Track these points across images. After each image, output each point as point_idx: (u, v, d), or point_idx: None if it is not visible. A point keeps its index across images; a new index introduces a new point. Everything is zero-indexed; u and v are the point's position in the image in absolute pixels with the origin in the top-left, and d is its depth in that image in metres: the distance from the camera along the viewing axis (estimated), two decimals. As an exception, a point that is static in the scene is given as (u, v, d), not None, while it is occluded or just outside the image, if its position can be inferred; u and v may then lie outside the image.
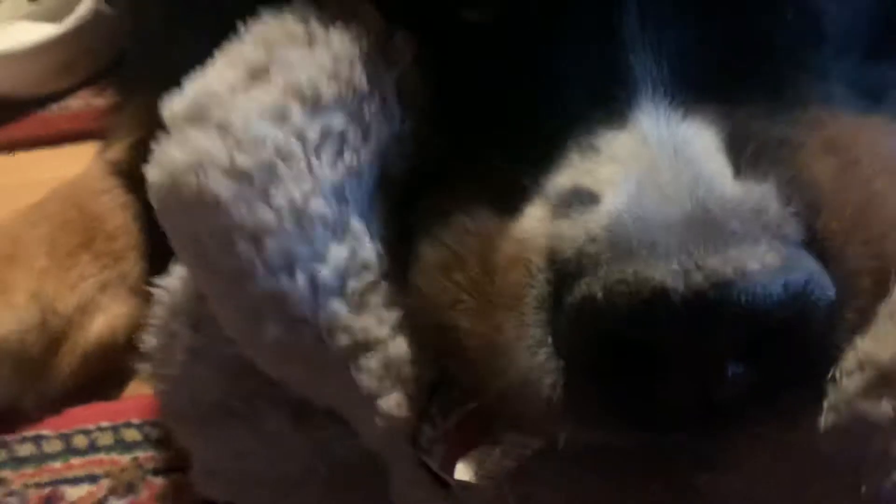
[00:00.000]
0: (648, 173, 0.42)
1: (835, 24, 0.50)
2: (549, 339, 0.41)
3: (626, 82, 0.45)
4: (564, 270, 0.40)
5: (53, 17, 1.31)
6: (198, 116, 0.46)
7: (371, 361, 0.47)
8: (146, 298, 0.79)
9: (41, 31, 1.27)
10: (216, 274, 0.47)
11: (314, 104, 0.46)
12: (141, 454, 0.74)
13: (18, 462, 0.75)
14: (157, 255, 0.81)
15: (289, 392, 0.53)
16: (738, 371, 0.38)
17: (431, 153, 0.50)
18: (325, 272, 0.46)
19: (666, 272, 0.37)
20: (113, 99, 1.15)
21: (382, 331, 0.47)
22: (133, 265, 0.84)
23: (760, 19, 0.48)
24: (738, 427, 0.40)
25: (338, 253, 0.47)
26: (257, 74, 0.47)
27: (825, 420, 0.39)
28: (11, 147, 1.21)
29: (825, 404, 0.39)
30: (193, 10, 0.65)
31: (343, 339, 0.47)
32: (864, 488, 0.39)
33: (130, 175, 0.87)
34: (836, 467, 0.39)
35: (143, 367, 0.75)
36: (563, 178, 0.43)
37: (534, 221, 0.42)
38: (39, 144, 1.21)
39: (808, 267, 0.38)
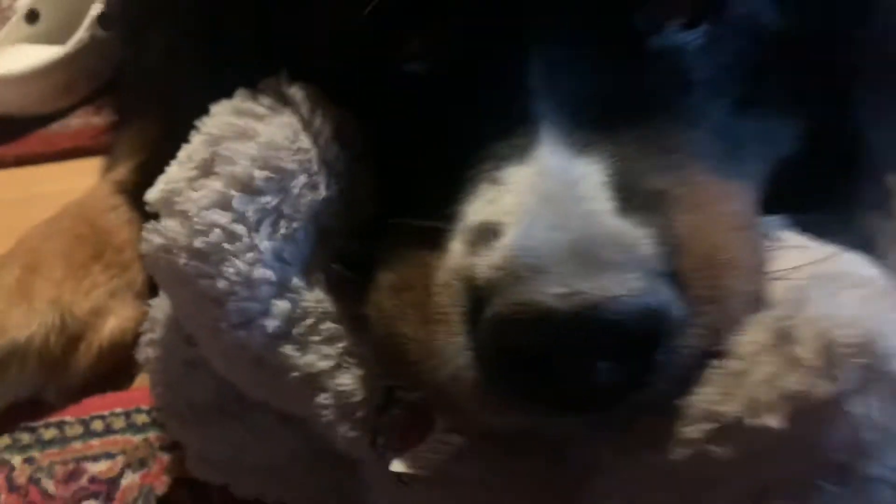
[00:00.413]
0: (543, 205, 0.51)
1: (704, 76, 0.60)
2: (471, 345, 0.51)
3: (530, 125, 0.55)
4: (478, 294, 0.51)
5: (51, 39, 1.38)
6: (167, 206, 0.57)
7: (323, 398, 0.57)
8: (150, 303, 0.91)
9: (41, 54, 1.35)
10: (197, 327, 0.59)
11: (249, 189, 0.56)
12: (151, 434, 0.84)
13: (44, 444, 0.85)
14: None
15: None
16: (608, 368, 0.49)
17: (366, 201, 0.60)
18: (274, 323, 0.57)
19: (551, 297, 0.48)
20: (111, 118, 1.24)
21: (326, 363, 0.57)
22: (138, 274, 0.93)
23: (641, 72, 0.58)
24: (610, 409, 0.51)
25: (282, 307, 0.57)
26: (206, 168, 0.57)
27: (676, 450, 0.48)
28: (19, 163, 1.28)
29: (676, 440, 0.49)
30: (191, 54, 0.74)
31: (294, 374, 0.57)
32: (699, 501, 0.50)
33: (134, 195, 0.95)
34: (683, 482, 0.50)
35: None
36: (474, 211, 0.53)
37: (456, 256, 0.52)
38: (44, 160, 1.28)
39: (664, 293, 0.49)
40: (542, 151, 0.54)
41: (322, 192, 0.59)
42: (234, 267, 0.55)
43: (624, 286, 0.48)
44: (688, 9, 0.59)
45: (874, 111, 0.70)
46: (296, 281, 0.58)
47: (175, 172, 0.58)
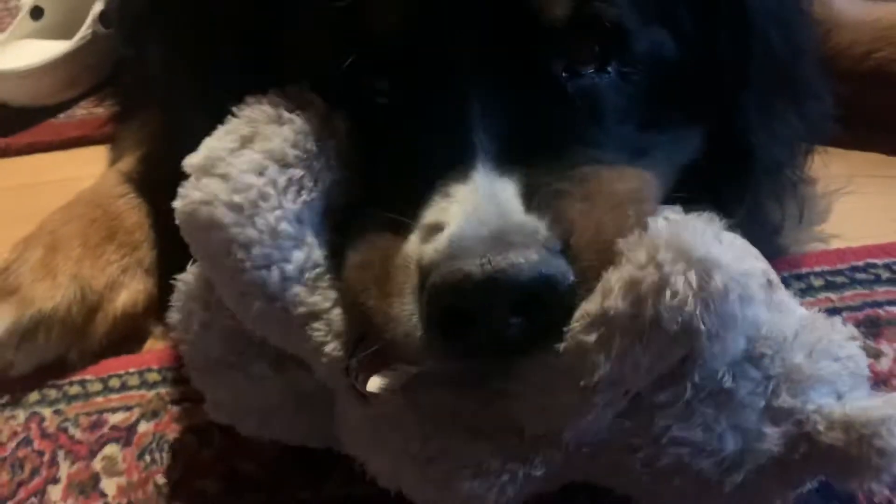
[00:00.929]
0: (474, 210, 0.66)
1: (613, 106, 0.75)
2: (418, 310, 0.65)
3: (470, 153, 0.69)
4: (425, 271, 0.65)
5: (55, 34, 1.48)
6: (208, 169, 0.70)
7: (318, 325, 0.71)
8: (157, 278, 1.04)
9: (47, 49, 1.44)
10: (220, 269, 0.72)
11: (283, 163, 0.71)
12: (162, 390, 0.96)
13: (70, 399, 0.97)
14: (164, 246, 1.04)
15: (268, 348, 0.75)
16: (516, 321, 0.63)
17: (358, 194, 0.74)
18: (290, 268, 0.70)
19: (472, 266, 0.62)
20: (113, 109, 1.36)
21: (326, 304, 0.71)
22: (147, 252, 1.05)
23: (561, 109, 0.73)
24: (520, 352, 0.65)
25: (298, 256, 0.70)
26: (246, 142, 0.72)
27: (563, 347, 0.63)
28: (28, 151, 1.37)
29: (563, 339, 0.64)
30: (187, 64, 0.85)
31: (301, 310, 0.71)
32: (585, 394, 0.63)
33: (141, 183, 1.08)
34: (572, 381, 0.63)
35: (159, 330, 0.98)
36: (430, 215, 0.68)
37: (413, 245, 0.67)
38: (51, 149, 1.37)
39: (557, 264, 0.64)
40: (476, 174, 0.69)
41: (335, 175, 0.73)
42: (265, 219, 0.69)
43: (523, 257, 0.63)
44: (597, 55, 0.74)
45: (761, 115, 0.84)
46: (310, 238, 0.71)
47: (216, 143, 0.71)
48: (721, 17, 0.80)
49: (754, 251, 0.69)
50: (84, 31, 1.46)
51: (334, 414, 0.76)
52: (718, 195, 0.80)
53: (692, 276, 0.61)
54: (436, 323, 0.65)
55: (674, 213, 0.70)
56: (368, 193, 0.74)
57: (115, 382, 0.99)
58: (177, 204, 0.71)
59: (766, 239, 0.87)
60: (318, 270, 0.72)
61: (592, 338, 0.62)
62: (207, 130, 0.73)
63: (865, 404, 0.66)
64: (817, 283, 0.99)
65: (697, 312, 0.61)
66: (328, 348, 0.71)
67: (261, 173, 0.70)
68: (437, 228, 0.67)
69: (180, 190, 0.71)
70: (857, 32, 1.16)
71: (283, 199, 0.70)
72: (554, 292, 0.64)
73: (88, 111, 1.44)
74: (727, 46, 0.80)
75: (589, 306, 0.63)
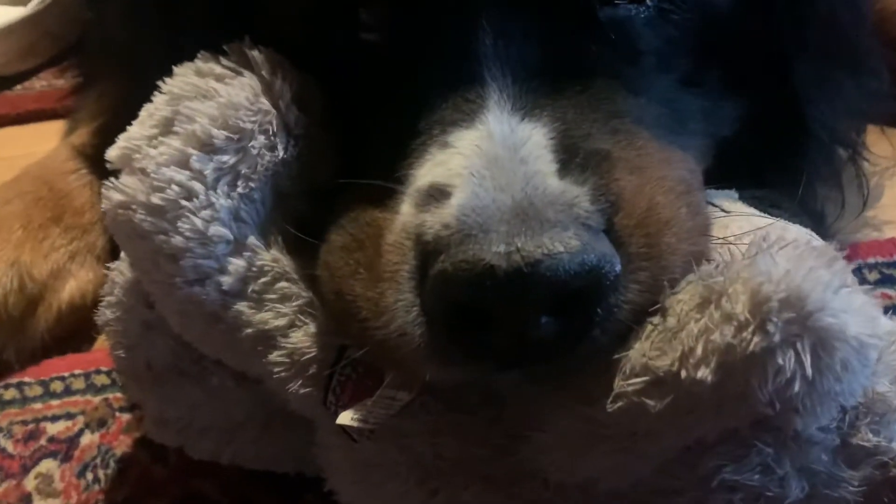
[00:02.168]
0: (489, 168, 0.53)
1: (651, 48, 0.62)
2: (418, 301, 0.53)
3: (479, 90, 0.56)
4: (427, 250, 0.52)
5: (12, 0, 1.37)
6: (126, 163, 0.58)
7: (277, 355, 0.58)
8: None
9: (2, 15, 1.33)
10: (153, 283, 0.60)
11: (208, 148, 0.57)
12: (110, 395, 0.85)
13: (3, 404, 0.86)
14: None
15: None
16: (548, 322, 0.50)
17: (324, 165, 0.61)
18: (228, 280, 0.58)
19: (493, 255, 0.49)
20: (74, 81, 1.23)
21: (280, 322, 0.58)
22: (98, 236, 0.94)
23: (590, 41, 0.60)
24: (548, 363, 0.52)
25: (238, 264, 0.58)
26: (166, 126, 0.58)
27: (612, 404, 0.50)
28: None
29: (612, 393, 0.50)
30: (151, 19, 0.74)
31: (248, 331, 0.58)
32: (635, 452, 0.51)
33: (94, 158, 0.96)
34: (619, 441, 0.51)
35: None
36: (424, 173, 0.55)
37: (406, 216, 0.54)
38: (6, 123, 1.29)
39: (602, 249, 0.51)
40: (488, 116, 0.56)
41: (280, 154, 0.60)
42: (191, 224, 0.57)
43: (561, 243, 0.50)
44: None
45: (820, 86, 0.73)
46: (252, 240, 0.59)
47: (136, 131, 0.59)
48: None
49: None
50: (43, -6, 1.35)
51: (316, 440, 0.64)
52: (765, 177, 0.69)
53: (807, 353, 0.47)
54: (442, 319, 0.52)
55: (730, 202, 0.59)
56: (349, 161, 0.62)
57: (56, 386, 0.88)
58: (102, 205, 0.60)
59: (822, 229, 0.74)
60: (264, 280, 0.59)
61: (658, 405, 0.49)
62: None
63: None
64: (872, 276, 0.89)
65: (800, 393, 0.48)
66: (294, 387, 0.59)
67: (182, 165, 0.57)
68: (437, 192, 0.54)
69: (103, 190, 0.59)
70: (908, -4, 1.06)
71: (212, 194, 0.57)
72: (598, 286, 0.51)
73: (49, 83, 1.35)
74: (787, 4, 0.69)
75: (656, 361, 0.49)
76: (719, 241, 0.57)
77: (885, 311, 0.65)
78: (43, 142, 1.16)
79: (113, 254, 0.93)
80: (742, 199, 0.65)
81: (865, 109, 0.82)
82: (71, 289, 0.92)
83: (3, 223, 0.93)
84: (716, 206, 0.61)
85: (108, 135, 0.97)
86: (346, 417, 0.55)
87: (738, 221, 0.59)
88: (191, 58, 0.64)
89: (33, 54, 1.36)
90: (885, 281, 0.88)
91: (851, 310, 0.48)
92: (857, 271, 0.88)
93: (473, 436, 0.56)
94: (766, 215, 0.62)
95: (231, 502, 0.76)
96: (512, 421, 0.56)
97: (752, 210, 0.63)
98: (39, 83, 1.35)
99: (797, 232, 0.60)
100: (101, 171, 0.94)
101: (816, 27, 0.71)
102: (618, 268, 0.52)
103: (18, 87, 1.34)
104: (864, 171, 0.85)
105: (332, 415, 0.58)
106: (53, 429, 0.84)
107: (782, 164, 0.73)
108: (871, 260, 0.89)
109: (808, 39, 0.71)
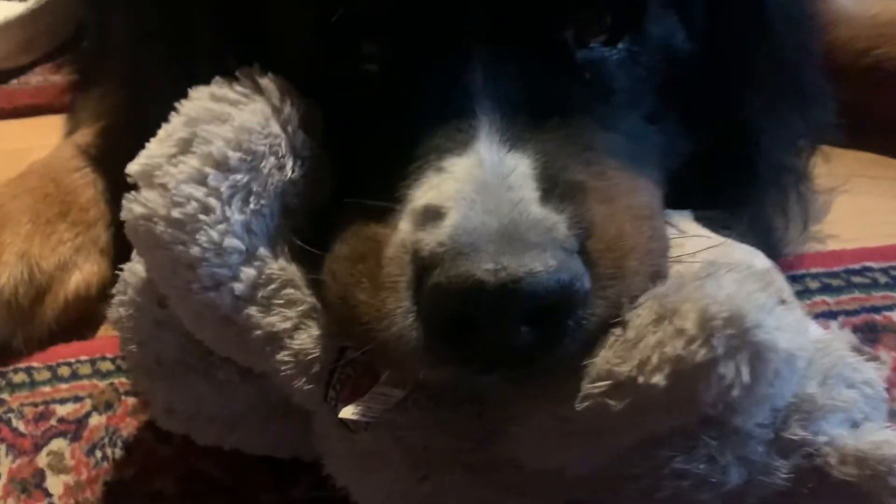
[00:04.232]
0: (479, 193, 0.59)
1: (621, 87, 0.69)
2: (415, 309, 0.59)
3: (471, 122, 0.62)
4: (423, 264, 0.59)
5: None
6: (147, 178, 0.64)
7: (283, 355, 0.64)
8: (113, 259, 0.97)
9: (2, 10, 1.35)
10: (170, 289, 0.66)
11: (224, 168, 0.63)
12: (115, 380, 0.90)
13: (14, 387, 0.91)
14: (121, 225, 0.97)
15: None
16: (526, 331, 0.57)
17: (325, 184, 0.67)
18: (241, 287, 0.64)
19: (483, 271, 0.56)
20: (71, 76, 1.29)
21: (285, 325, 0.64)
22: (102, 231, 0.99)
23: (568, 80, 0.67)
24: (526, 367, 0.59)
25: (249, 273, 0.64)
26: (184, 147, 0.64)
27: (580, 404, 0.57)
28: None
29: (579, 394, 0.57)
30: (159, 33, 0.78)
31: (257, 333, 0.64)
32: (598, 445, 0.59)
33: (98, 157, 1.02)
34: (587, 437, 0.59)
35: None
36: (420, 195, 0.61)
37: (404, 233, 0.60)
38: (4, 116, 1.30)
39: (575, 268, 0.58)
40: (479, 145, 0.62)
41: (288, 174, 0.65)
42: (207, 236, 0.62)
43: (541, 263, 0.57)
44: (609, 27, 0.68)
45: (768, 119, 0.80)
46: (262, 251, 0.65)
47: (155, 149, 0.64)
48: (734, 13, 0.75)
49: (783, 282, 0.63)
50: (41, -10, 1.37)
51: (313, 430, 0.70)
52: (717, 200, 0.76)
53: (745, 363, 0.54)
54: (436, 326, 0.59)
55: (686, 223, 0.65)
56: (349, 181, 0.68)
57: (64, 371, 0.93)
58: (123, 216, 0.65)
59: (770, 246, 0.82)
60: (273, 286, 0.65)
61: (619, 405, 0.56)
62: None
63: (881, 438, 0.61)
64: (813, 285, 0.96)
65: (739, 397, 0.56)
66: (299, 384, 0.65)
67: (200, 183, 0.63)
68: (432, 213, 0.60)
69: (124, 202, 0.65)
70: (855, 28, 1.13)
71: (227, 209, 0.63)
72: (570, 301, 0.58)
73: (45, 78, 1.37)
74: (737, 44, 0.76)
75: (617, 367, 0.57)
76: (675, 258, 0.65)
77: (822, 316, 0.73)
78: (39, 136, 1.21)
79: (116, 248, 0.99)
80: (696, 219, 0.72)
81: (811, 138, 0.90)
82: (77, 280, 0.97)
83: (12, 218, 0.97)
84: (672, 226, 0.69)
85: (111, 136, 1.04)
86: (346, 412, 0.61)
87: (691, 241, 0.67)
88: (195, 63, 0.70)
89: (31, 49, 1.37)
90: (824, 289, 0.95)
91: (783, 326, 0.56)
92: (801, 279, 0.96)
93: (458, 429, 0.63)
94: (716, 235, 0.70)
95: (232, 481, 0.81)
96: (492, 417, 0.62)
97: (704, 230, 0.70)
98: (35, 78, 1.36)
99: (742, 252, 0.68)
100: (104, 170, 1.02)
101: (766, 67, 0.78)
102: (588, 285, 0.59)
103: (15, 81, 1.36)
104: (807, 193, 0.92)
105: (332, 409, 0.64)
106: (62, 411, 0.89)
107: (732, 188, 0.79)
108: (813, 270, 0.96)
109: (758, 78, 0.78)
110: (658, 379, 0.56)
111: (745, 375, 0.55)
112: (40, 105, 1.30)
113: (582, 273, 0.59)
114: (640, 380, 0.56)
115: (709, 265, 0.60)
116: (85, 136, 1.06)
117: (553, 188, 0.61)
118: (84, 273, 0.97)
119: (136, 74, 0.87)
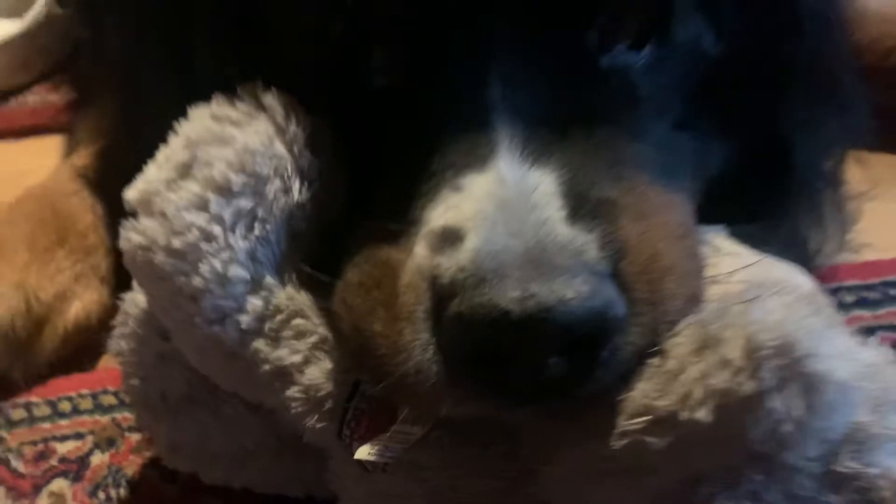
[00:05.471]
0: (501, 212, 0.55)
1: (648, 94, 0.65)
2: (434, 341, 0.55)
3: (490, 136, 0.58)
4: (442, 292, 0.55)
5: (5, 13, 1.35)
6: (145, 205, 0.60)
7: (293, 391, 0.60)
8: (114, 287, 0.93)
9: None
10: (172, 321, 0.62)
11: (226, 192, 0.59)
12: (118, 415, 0.86)
13: (12, 424, 0.87)
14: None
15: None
16: (556, 362, 0.53)
17: (335, 204, 0.63)
18: (247, 319, 0.60)
19: (509, 300, 0.52)
20: (68, 96, 1.25)
21: (295, 358, 0.60)
22: (102, 258, 0.95)
23: (592, 88, 0.62)
24: (557, 401, 0.55)
25: (255, 303, 0.60)
26: (184, 171, 0.60)
27: (617, 441, 0.53)
28: None
29: (616, 431, 0.53)
30: (155, 48, 0.74)
31: (266, 367, 0.60)
32: (638, 485, 0.55)
33: (96, 180, 0.99)
34: (624, 478, 0.55)
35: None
36: (437, 215, 0.56)
37: (420, 258, 0.55)
38: (1, 137, 1.28)
39: (608, 294, 0.54)
40: (499, 161, 0.57)
41: (295, 197, 0.61)
42: (210, 265, 0.58)
43: (572, 290, 0.52)
44: (635, 31, 0.64)
45: (804, 126, 0.76)
46: (268, 279, 0.61)
47: (153, 173, 0.60)
48: (768, 15, 0.71)
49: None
50: (37, 9, 1.35)
51: (329, 468, 0.66)
52: (751, 212, 0.72)
53: (797, 396, 0.50)
54: (458, 359, 0.54)
55: (720, 239, 0.61)
56: (360, 199, 0.64)
57: (65, 406, 0.89)
58: (121, 246, 0.61)
59: (806, 259, 0.78)
60: (280, 317, 0.61)
61: (659, 443, 0.52)
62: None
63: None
64: (849, 298, 0.92)
65: (790, 432, 0.51)
66: (310, 422, 0.61)
67: (201, 209, 0.59)
68: (450, 235, 0.56)
69: (121, 230, 0.61)
70: (882, 27, 1.09)
71: (230, 237, 0.59)
72: (603, 330, 0.53)
73: (42, 97, 1.35)
74: (770, 46, 0.72)
75: (657, 401, 0.52)
76: (711, 279, 0.61)
77: (859, 332, 0.69)
78: (38, 157, 1.18)
79: (117, 275, 0.95)
80: (730, 234, 0.68)
81: (846, 144, 0.85)
82: (76, 310, 0.93)
83: (8, 246, 0.94)
84: (707, 244, 0.65)
85: (109, 157, 1.00)
86: (362, 452, 0.58)
87: (727, 259, 0.63)
88: (194, 80, 0.66)
89: (27, 69, 1.35)
90: (861, 303, 0.91)
91: (837, 354, 0.51)
92: (835, 293, 0.91)
93: (487, 468, 0.59)
94: (753, 252, 0.65)
95: (240, 521, 0.77)
96: (524, 455, 0.58)
97: (740, 247, 0.66)
98: (33, 98, 1.34)
99: (782, 270, 0.64)
100: (102, 193, 0.98)
101: (802, 70, 0.74)
102: (623, 312, 0.54)
103: (13, 101, 1.34)
104: (842, 200, 0.88)
105: (346, 447, 0.60)
106: (63, 449, 0.85)
107: (767, 199, 0.75)
108: (848, 283, 0.92)
109: (794, 82, 0.74)
110: (702, 414, 0.51)
111: (798, 409, 0.50)
112: (39, 125, 1.28)
113: (616, 299, 0.54)
114: (683, 415, 0.52)
115: (752, 287, 0.56)
116: (82, 157, 1.03)
117: (581, 206, 0.57)
118: (84, 302, 0.94)
119: (133, 90, 0.84)
